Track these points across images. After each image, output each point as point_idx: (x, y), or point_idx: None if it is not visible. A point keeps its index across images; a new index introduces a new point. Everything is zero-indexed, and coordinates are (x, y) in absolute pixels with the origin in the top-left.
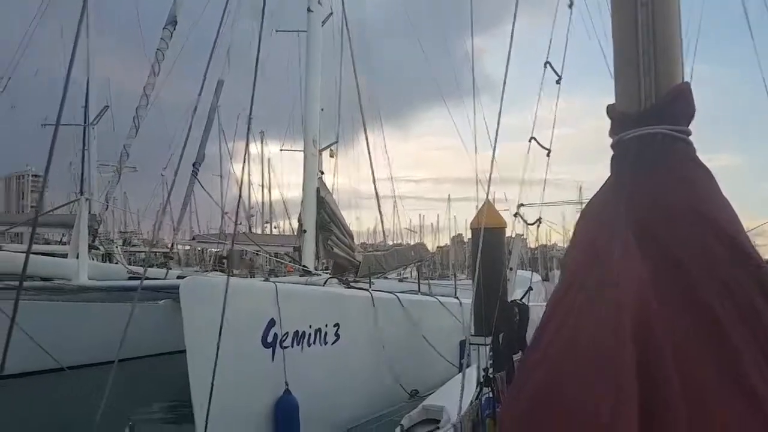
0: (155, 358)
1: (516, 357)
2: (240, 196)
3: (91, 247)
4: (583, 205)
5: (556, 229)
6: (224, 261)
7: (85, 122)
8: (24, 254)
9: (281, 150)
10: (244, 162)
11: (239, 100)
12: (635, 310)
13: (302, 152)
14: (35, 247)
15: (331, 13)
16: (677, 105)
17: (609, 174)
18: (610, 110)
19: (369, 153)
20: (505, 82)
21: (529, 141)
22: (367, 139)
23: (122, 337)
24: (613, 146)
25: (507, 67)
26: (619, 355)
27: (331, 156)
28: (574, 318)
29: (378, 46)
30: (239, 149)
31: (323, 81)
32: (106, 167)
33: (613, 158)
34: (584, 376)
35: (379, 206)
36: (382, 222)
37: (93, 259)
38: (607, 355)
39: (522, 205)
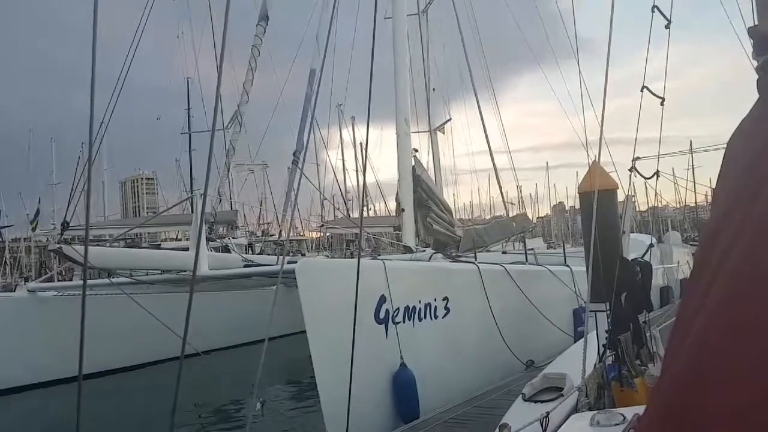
0: (270, 341)
1: (640, 317)
2: (358, 182)
3: (208, 239)
4: (692, 160)
5: (678, 181)
6: (351, 244)
7: (189, 129)
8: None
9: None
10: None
11: (335, 89)
12: None
13: (417, 133)
14: (181, 244)
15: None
16: None
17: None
18: (753, 32)
19: (484, 127)
20: (610, 34)
21: (641, 91)
22: (481, 114)
23: (269, 319)
24: (758, 68)
25: (611, 17)
26: None
27: (442, 133)
28: (736, 255)
29: (461, 11)
30: (333, 137)
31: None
32: (241, 166)
33: (759, 81)
34: (754, 328)
35: (497, 177)
36: (502, 193)
37: (211, 251)
38: None
39: (637, 158)
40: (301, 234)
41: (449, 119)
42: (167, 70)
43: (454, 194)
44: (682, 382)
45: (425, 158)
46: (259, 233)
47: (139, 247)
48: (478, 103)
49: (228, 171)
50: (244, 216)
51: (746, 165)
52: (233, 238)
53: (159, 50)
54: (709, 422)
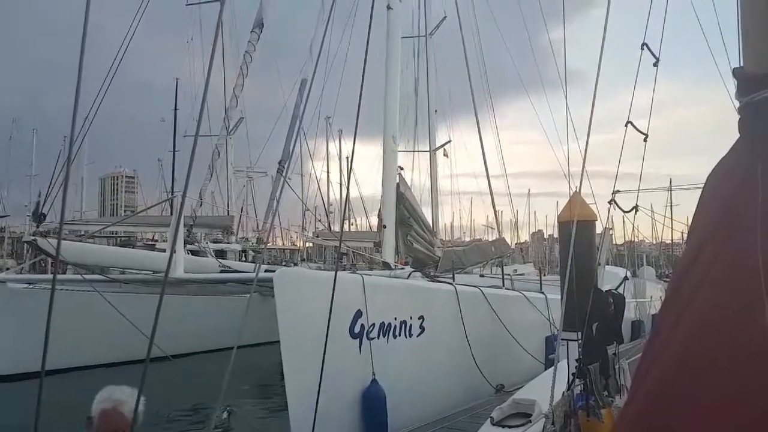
0: (241, 349)
1: (610, 349)
2: (341, 195)
3: (186, 242)
4: (671, 197)
5: (656, 217)
6: (344, 257)
7: (174, 129)
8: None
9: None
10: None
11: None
12: None
13: (414, 152)
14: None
15: (444, 18)
16: None
17: (725, 151)
18: (737, 73)
19: (483, 151)
20: (599, 69)
21: (626, 125)
22: (480, 138)
23: (240, 327)
24: (740, 109)
25: (601, 53)
26: (763, 332)
27: (445, 155)
28: (708, 288)
29: (455, 37)
30: (320, 149)
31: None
32: (240, 172)
33: (741, 121)
34: (723, 359)
35: (493, 201)
36: (496, 217)
37: (188, 253)
38: (750, 335)
39: (617, 192)
40: (294, 244)
41: (449, 141)
42: (176, 73)
43: (439, 214)
44: (646, 412)
45: (420, 178)
46: (254, 240)
47: (133, 246)
48: (479, 127)
49: (212, 175)
50: (240, 222)
51: (726, 198)
52: (228, 243)
53: (171, 53)
54: None
